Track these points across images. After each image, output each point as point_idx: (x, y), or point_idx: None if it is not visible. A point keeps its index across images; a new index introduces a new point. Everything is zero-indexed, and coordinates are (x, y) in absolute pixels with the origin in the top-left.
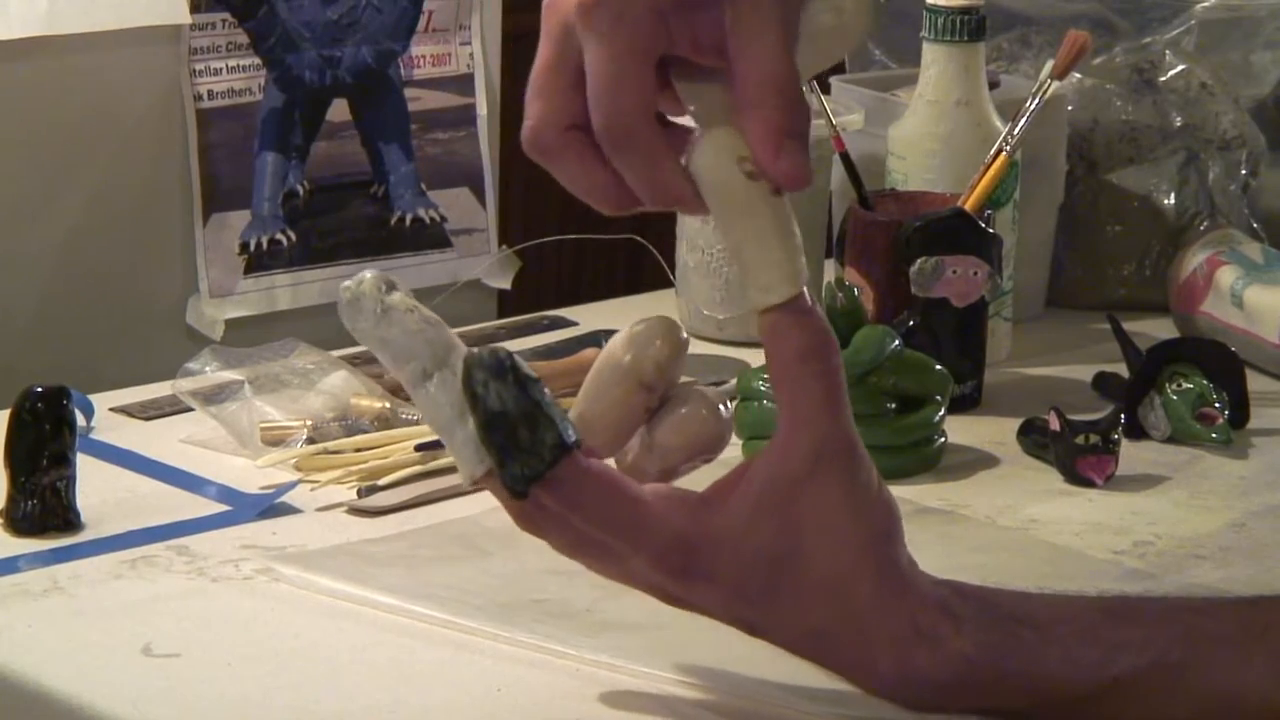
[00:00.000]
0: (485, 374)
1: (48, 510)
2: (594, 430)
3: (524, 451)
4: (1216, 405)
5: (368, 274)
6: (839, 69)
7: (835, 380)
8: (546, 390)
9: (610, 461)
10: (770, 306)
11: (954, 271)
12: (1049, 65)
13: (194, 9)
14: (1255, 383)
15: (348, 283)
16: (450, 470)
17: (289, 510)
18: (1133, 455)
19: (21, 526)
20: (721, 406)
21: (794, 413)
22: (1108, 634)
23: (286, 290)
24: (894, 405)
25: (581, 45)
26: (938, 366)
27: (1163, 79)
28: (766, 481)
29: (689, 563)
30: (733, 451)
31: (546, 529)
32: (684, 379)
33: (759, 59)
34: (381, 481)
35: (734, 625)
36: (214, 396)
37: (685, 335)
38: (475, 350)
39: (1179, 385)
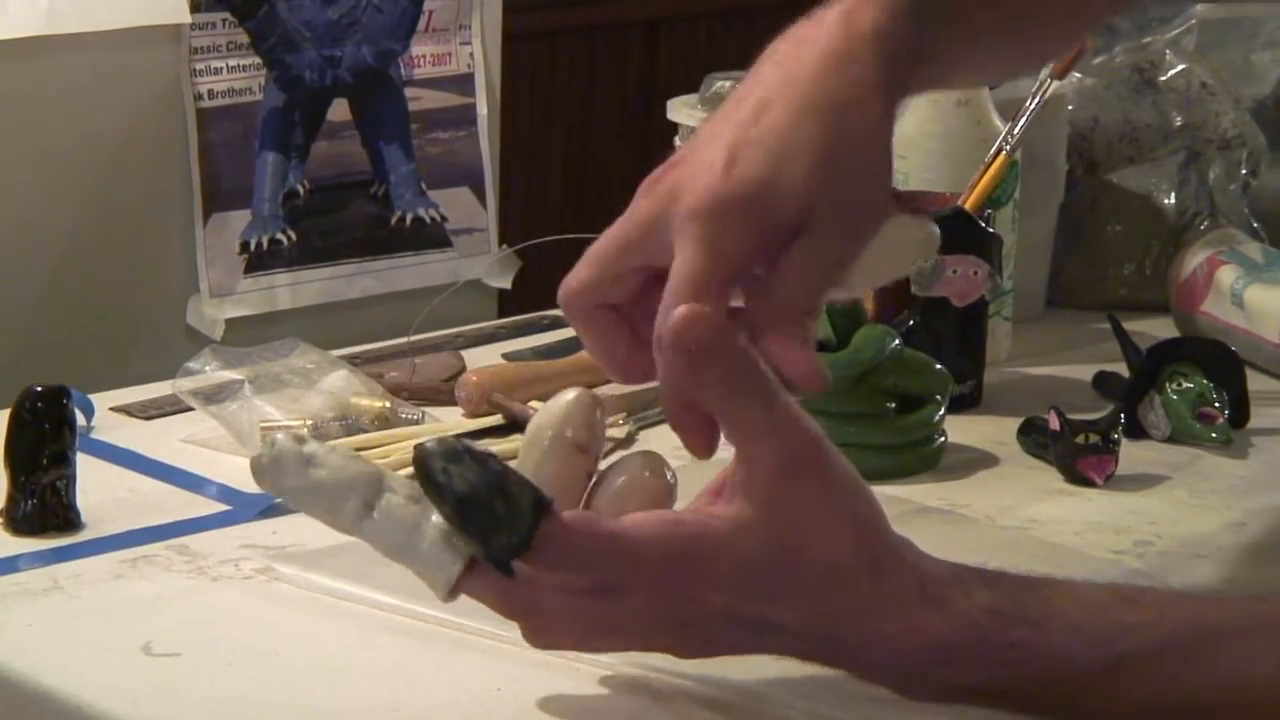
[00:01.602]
0: (443, 461)
1: (48, 510)
2: None
3: (505, 522)
4: (1216, 405)
5: (278, 434)
6: None
7: (762, 382)
8: (499, 458)
9: None
10: None
11: (954, 271)
12: (1049, 65)
13: (194, 8)
14: (1255, 382)
15: (258, 454)
16: None
17: (289, 510)
18: (1133, 455)
19: (21, 526)
20: (664, 466)
21: (744, 430)
22: (1115, 614)
23: (287, 290)
24: (894, 405)
25: (674, 241)
26: (938, 366)
27: (1163, 79)
28: (743, 496)
29: (687, 577)
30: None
31: (549, 625)
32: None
33: (790, 287)
34: None
35: (741, 637)
36: (214, 396)
37: (595, 394)
38: (423, 444)
39: (1179, 385)
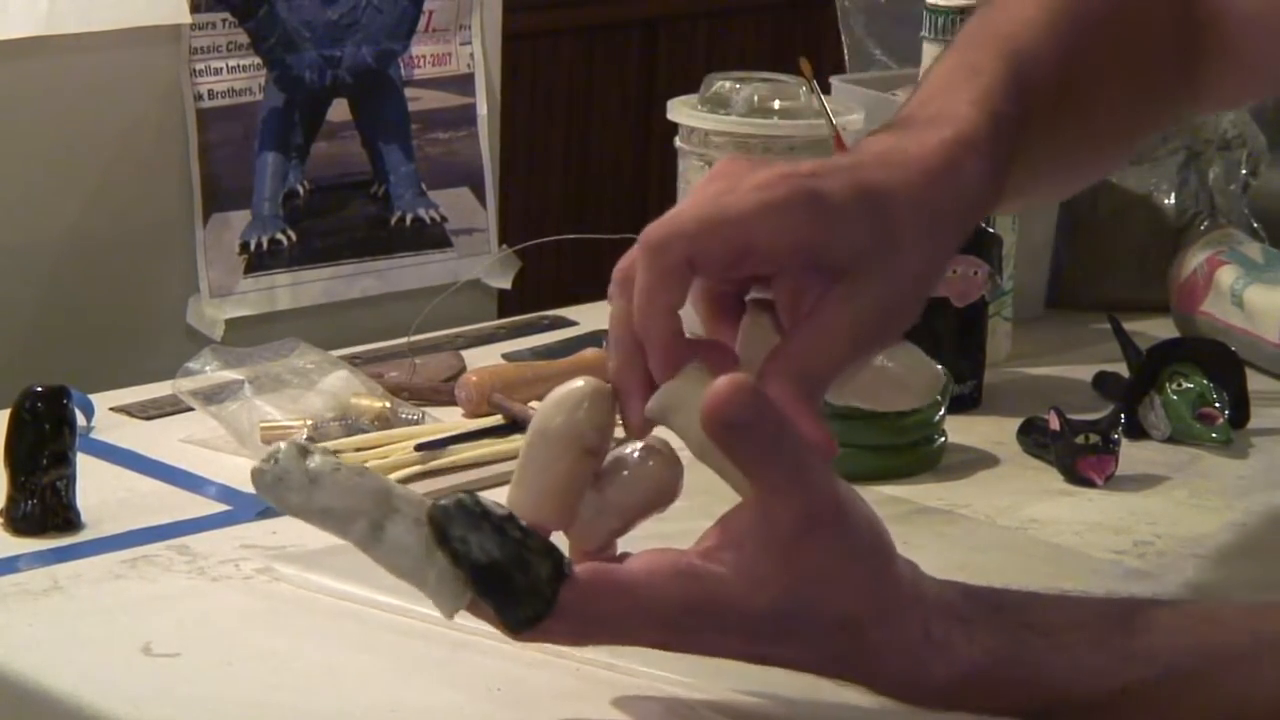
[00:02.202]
0: (461, 528)
1: (48, 510)
2: (543, 506)
3: (524, 594)
4: (1216, 405)
5: (281, 445)
6: (839, 68)
7: (792, 445)
8: (517, 519)
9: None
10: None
11: (954, 271)
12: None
13: (194, 9)
14: (1255, 382)
15: (260, 464)
16: (450, 470)
17: None
18: (1133, 455)
19: (21, 526)
20: (672, 452)
21: (767, 485)
22: (1119, 643)
23: (287, 290)
24: None
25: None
26: (938, 366)
27: None
28: (760, 548)
29: (701, 625)
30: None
31: (547, 641)
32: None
33: (818, 337)
34: None
35: (748, 661)
36: (214, 396)
37: (609, 386)
38: (438, 504)
39: (1179, 385)
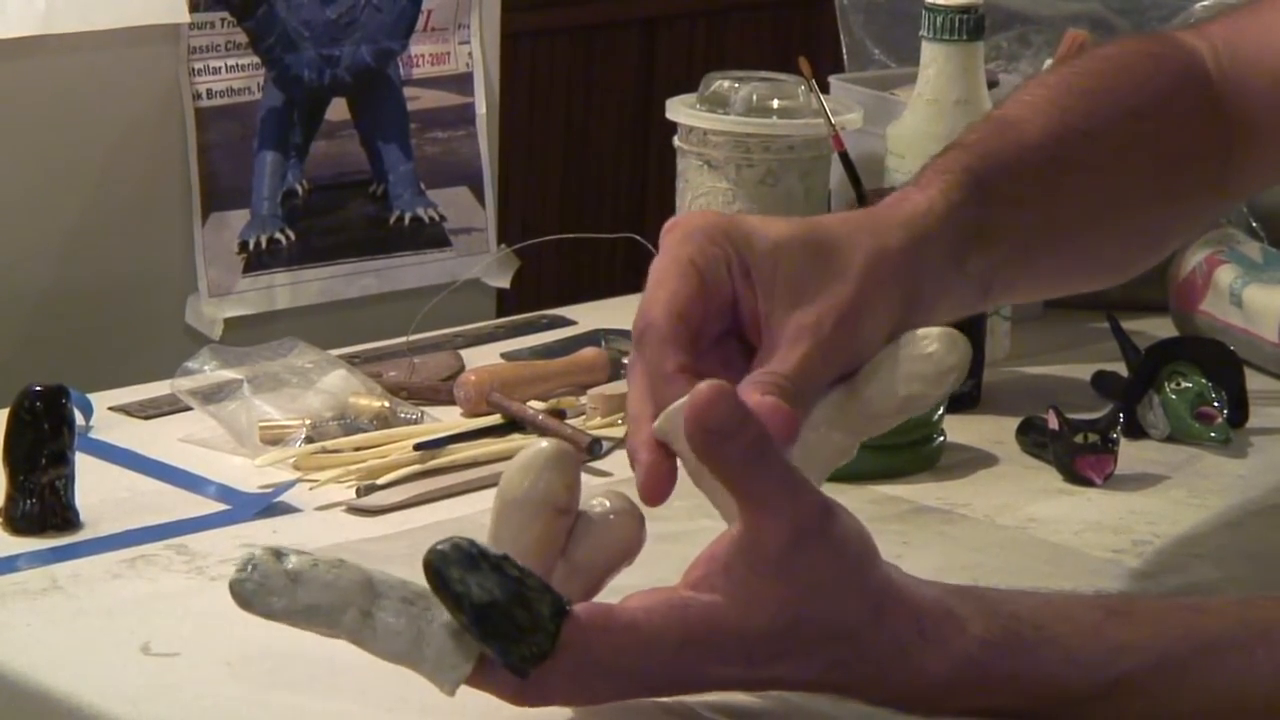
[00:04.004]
0: (459, 570)
1: (47, 509)
2: None
3: (527, 632)
4: (1215, 404)
5: (255, 552)
6: (838, 67)
7: (776, 456)
8: (513, 559)
9: None
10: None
11: None
12: (1048, 64)
13: (193, 8)
14: (1254, 382)
15: (237, 575)
16: (449, 469)
17: (288, 509)
18: (1132, 454)
19: (20, 525)
20: (634, 507)
21: (753, 498)
22: (1111, 634)
23: (285, 289)
24: None
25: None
26: None
27: None
28: (749, 569)
29: (700, 659)
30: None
31: (551, 700)
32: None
33: (782, 360)
34: (380, 481)
35: (749, 689)
36: (213, 395)
37: (569, 446)
38: (434, 549)
39: (1178, 384)
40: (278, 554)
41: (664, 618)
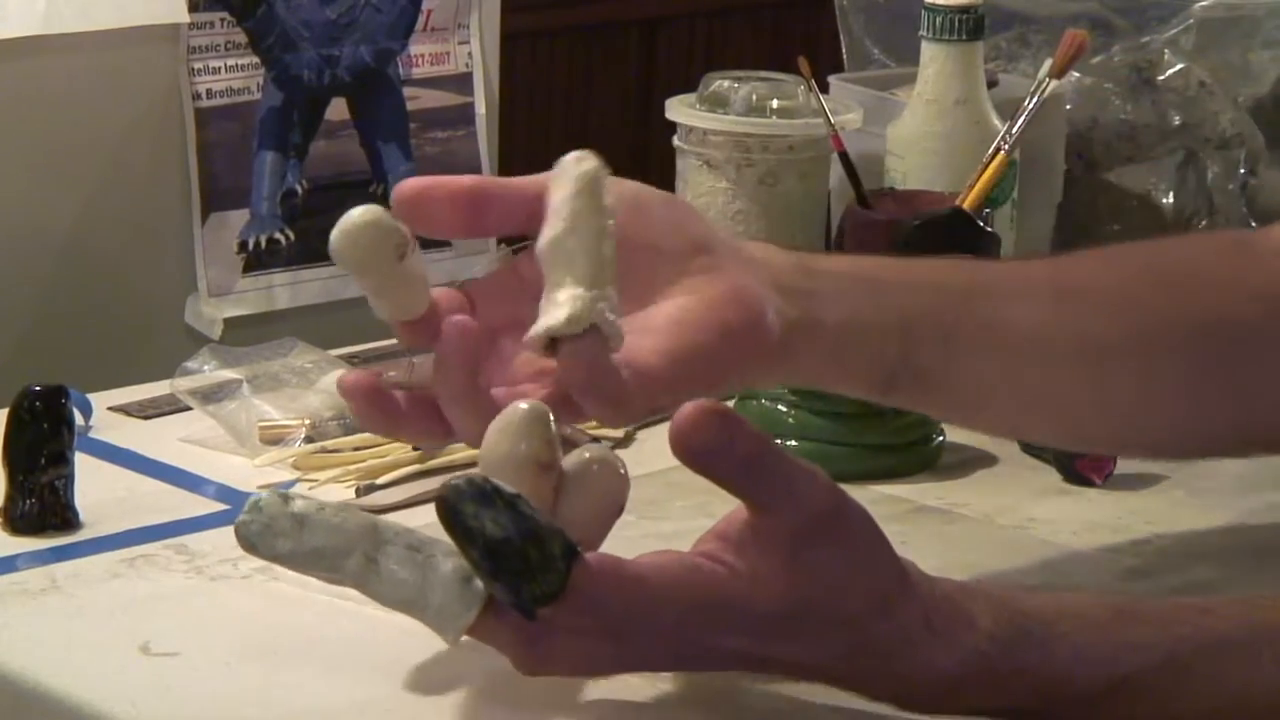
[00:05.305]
0: (474, 505)
1: (46, 509)
2: None
3: (538, 570)
4: None
5: (262, 495)
6: (838, 67)
7: (774, 460)
8: (526, 499)
9: None
10: None
11: None
12: (1047, 64)
13: (192, 8)
14: None
15: (243, 518)
16: (448, 469)
17: None
18: None
19: (20, 525)
20: (614, 457)
21: (755, 503)
22: (1117, 633)
23: (285, 289)
24: None
25: None
26: None
27: (1161, 78)
28: (760, 554)
29: (704, 625)
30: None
31: (553, 660)
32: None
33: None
34: (379, 480)
35: (753, 670)
36: (212, 395)
37: (542, 405)
38: (448, 484)
39: None
40: (284, 497)
41: (674, 578)
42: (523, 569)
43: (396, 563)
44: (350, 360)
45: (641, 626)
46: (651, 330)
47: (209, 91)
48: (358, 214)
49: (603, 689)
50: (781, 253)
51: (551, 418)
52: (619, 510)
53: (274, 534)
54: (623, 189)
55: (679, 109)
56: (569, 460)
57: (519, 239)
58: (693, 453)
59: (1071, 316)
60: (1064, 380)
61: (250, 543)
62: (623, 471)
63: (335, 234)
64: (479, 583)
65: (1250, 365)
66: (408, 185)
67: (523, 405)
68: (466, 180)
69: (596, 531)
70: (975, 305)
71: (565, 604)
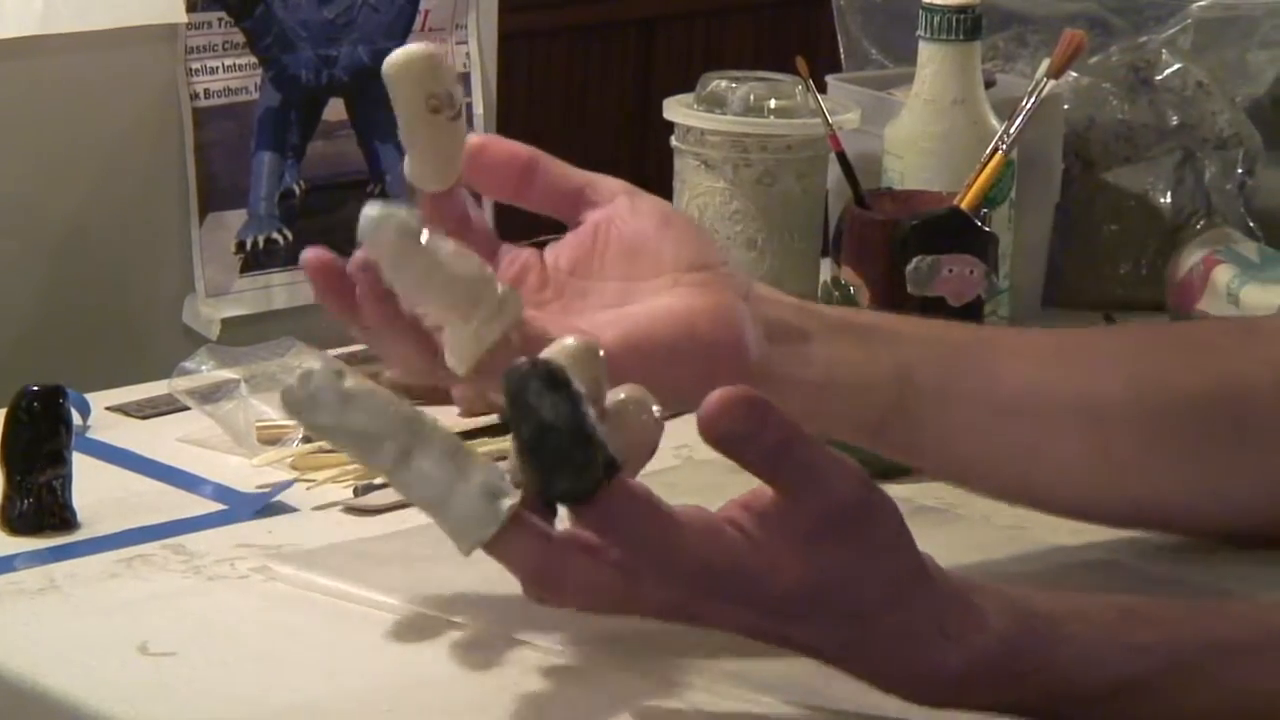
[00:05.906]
0: (540, 384)
1: (44, 509)
2: None
3: (577, 467)
4: None
5: (315, 365)
6: (836, 67)
7: (802, 448)
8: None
9: None
10: None
11: (950, 270)
12: (1045, 64)
13: (190, 8)
14: None
15: (291, 384)
16: None
17: (285, 509)
18: None
19: (17, 525)
20: (647, 396)
21: (781, 488)
22: (1125, 634)
23: (283, 289)
24: None
25: None
26: None
27: (1159, 78)
28: (778, 536)
29: (717, 587)
30: None
31: (564, 586)
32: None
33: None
34: (377, 480)
35: (757, 639)
36: (210, 395)
37: (594, 341)
38: (520, 363)
39: None
40: (339, 372)
41: (697, 534)
42: (562, 461)
43: (430, 461)
44: (348, 360)
45: (659, 567)
46: (622, 317)
47: (207, 91)
48: (415, 49)
49: (607, 695)
50: (785, 295)
51: (601, 354)
52: (651, 451)
53: (316, 404)
54: (652, 204)
55: (677, 109)
56: (613, 405)
57: (516, 238)
58: (719, 438)
59: (1072, 372)
60: (1062, 436)
61: (295, 409)
62: (658, 413)
63: (394, 53)
64: (504, 502)
65: (1263, 433)
66: (477, 136)
67: (570, 340)
68: (526, 150)
69: (629, 471)
70: (974, 358)
71: (593, 514)
